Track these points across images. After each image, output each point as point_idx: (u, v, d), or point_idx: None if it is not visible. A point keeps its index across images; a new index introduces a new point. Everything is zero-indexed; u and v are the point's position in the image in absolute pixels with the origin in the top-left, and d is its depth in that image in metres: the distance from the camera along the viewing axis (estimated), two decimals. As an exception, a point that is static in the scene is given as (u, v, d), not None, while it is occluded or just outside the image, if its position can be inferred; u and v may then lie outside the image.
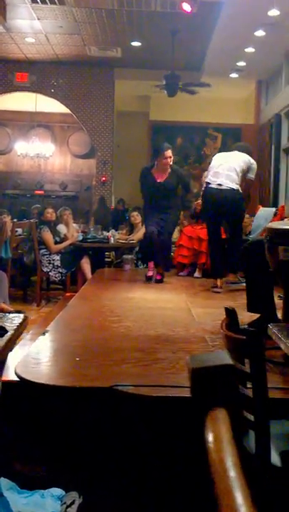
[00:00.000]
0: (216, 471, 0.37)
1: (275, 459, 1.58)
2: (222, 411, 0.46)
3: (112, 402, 2.02)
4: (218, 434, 0.42)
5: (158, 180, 5.37)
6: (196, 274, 5.77)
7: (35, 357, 2.52)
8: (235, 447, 0.40)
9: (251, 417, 1.57)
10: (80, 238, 6.77)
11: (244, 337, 1.56)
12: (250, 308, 3.18)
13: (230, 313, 1.82)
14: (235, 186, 4.86)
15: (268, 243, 2.67)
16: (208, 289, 4.87)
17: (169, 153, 5.37)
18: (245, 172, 5.03)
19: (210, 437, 0.42)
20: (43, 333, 2.96)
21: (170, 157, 5.38)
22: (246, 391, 1.61)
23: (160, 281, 5.28)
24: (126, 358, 2.52)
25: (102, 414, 2.01)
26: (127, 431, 1.95)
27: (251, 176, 5.09)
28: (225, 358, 0.55)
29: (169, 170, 5.41)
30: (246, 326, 3.11)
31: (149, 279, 5.40)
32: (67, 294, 5.65)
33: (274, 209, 6.14)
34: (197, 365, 0.53)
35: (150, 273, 5.44)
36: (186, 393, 2.07)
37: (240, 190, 4.89)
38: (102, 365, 2.38)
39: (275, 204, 8.14)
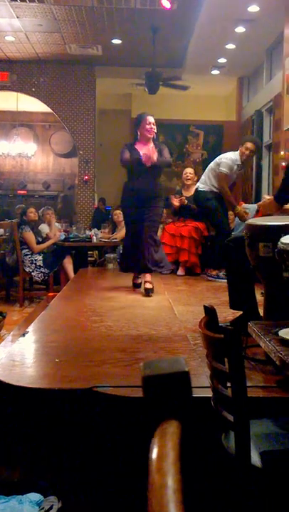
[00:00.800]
0: (153, 496, 0.33)
1: (255, 459, 1.55)
2: (173, 424, 0.43)
3: (91, 403, 1.98)
4: (162, 452, 0.38)
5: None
6: (179, 272, 5.74)
7: (15, 359, 2.48)
8: (179, 468, 0.37)
9: (231, 417, 1.54)
10: (63, 238, 6.71)
11: (222, 336, 1.53)
12: (233, 305, 3.17)
13: (210, 312, 1.79)
14: (201, 186, 5.53)
15: (248, 240, 2.65)
16: (191, 286, 4.85)
17: (150, 119, 4.78)
18: (215, 169, 5.45)
19: (154, 454, 0.39)
20: (23, 335, 2.91)
21: (153, 123, 4.75)
22: (226, 391, 1.59)
23: (149, 291, 4.43)
24: (106, 358, 2.48)
25: (81, 417, 1.97)
26: (107, 433, 1.92)
27: (219, 169, 5.42)
28: (180, 364, 0.51)
29: (153, 144, 4.67)
30: (228, 324, 3.10)
31: (136, 285, 4.78)
32: (50, 294, 5.59)
33: (256, 205, 6.13)
34: (149, 373, 0.49)
35: (138, 280, 4.80)
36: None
37: (208, 189, 5.46)
38: (82, 366, 2.34)
39: (257, 200, 8.14)
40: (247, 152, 5.39)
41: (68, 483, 1.87)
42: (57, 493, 1.76)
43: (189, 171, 6.51)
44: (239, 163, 5.43)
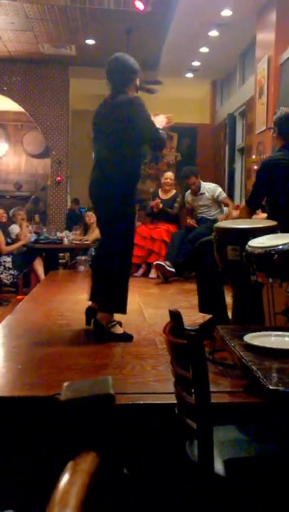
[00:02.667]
0: None
1: (218, 467, 1.51)
2: (88, 458, 0.38)
3: (53, 412, 1.91)
4: (64, 496, 0.34)
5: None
6: (151, 274, 5.71)
7: (-24, 365, 2.39)
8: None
9: (194, 425, 1.50)
10: (33, 239, 6.60)
11: (184, 341, 1.49)
12: (202, 308, 3.14)
13: (175, 316, 1.75)
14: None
15: (216, 243, 2.62)
16: (162, 290, 4.81)
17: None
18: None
19: (56, 494, 0.34)
20: (-14, 339, 2.83)
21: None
22: (189, 398, 1.54)
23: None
24: (71, 364, 2.42)
25: (42, 426, 1.90)
26: (68, 443, 1.85)
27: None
28: (105, 385, 0.46)
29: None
30: (197, 327, 3.07)
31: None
32: (19, 297, 5.48)
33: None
34: (68, 396, 0.44)
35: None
36: (130, 400, 1.99)
37: None
38: (46, 373, 2.27)
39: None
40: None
41: (25, 497, 1.79)
42: (14, 507, 1.68)
43: (170, 176, 6.52)
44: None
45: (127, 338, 2.94)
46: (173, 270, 5.42)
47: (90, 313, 3.10)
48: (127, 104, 3.05)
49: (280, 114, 3.15)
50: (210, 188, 5.98)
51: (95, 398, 0.42)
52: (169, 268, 5.39)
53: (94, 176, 3.12)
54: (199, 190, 5.98)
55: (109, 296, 3.04)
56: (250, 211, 3.15)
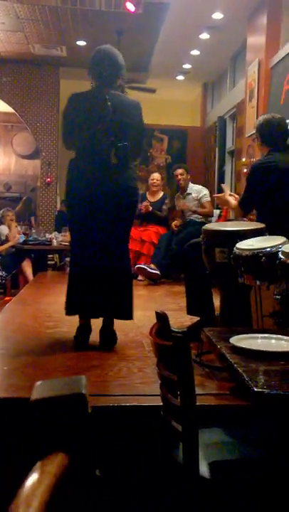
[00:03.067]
0: None
1: (203, 469, 1.51)
2: (56, 460, 0.37)
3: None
4: (28, 496, 0.33)
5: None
6: (140, 276, 5.70)
7: None
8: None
9: (179, 427, 1.49)
10: (22, 240, 6.57)
11: (170, 343, 1.48)
12: (190, 311, 3.14)
13: (161, 318, 1.74)
14: None
15: (204, 245, 2.62)
16: (150, 291, 4.80)
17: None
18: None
19: (20, 494, 0.33)
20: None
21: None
22: (175, 400, 1.53)
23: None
24: (57, 366, 2.40)
25: (24, 429, 1.88)
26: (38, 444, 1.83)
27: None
28: (78, 385, 0.45)
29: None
30: (185, 330, 3.07)
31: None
32: (7, 299, 5.45)
33: (218, 211, 6.16)
34: (39, 396, 0.43)
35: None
36: (116, 402, 1.97)
37: None
38: (31, 375, 2.25)
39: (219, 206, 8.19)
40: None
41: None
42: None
43: (156, 177, 6.50)
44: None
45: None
46: (157, 272, 5.42)
47: (87, 331, 2.85)
48: (136, 107, 2.99)
49: (259, 122, 3.17)
50: (196, 190, 5.99)
51: (66, 398, 0.41)
52: (151, 270, 5.39)
53: (113, 176, 2.84)
54: (186, 189, 5.98)
55: (130, 300, 2.95)
56: (243, 214, 3.19)
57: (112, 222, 2.86)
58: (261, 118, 3.19)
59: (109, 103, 2.85)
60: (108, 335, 2.82)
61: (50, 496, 0.35)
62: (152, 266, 5.43)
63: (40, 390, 0.45)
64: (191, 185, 6.05)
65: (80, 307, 2.86)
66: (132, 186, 2.90)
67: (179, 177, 6.04)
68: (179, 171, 6.04)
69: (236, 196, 3.36)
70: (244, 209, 3.13)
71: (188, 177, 6.09)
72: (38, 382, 0.46)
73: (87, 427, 0.43)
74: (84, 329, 2.83)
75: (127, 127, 2.87)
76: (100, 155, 2.79)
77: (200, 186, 6.13)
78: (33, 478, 0.36)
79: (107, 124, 2.81)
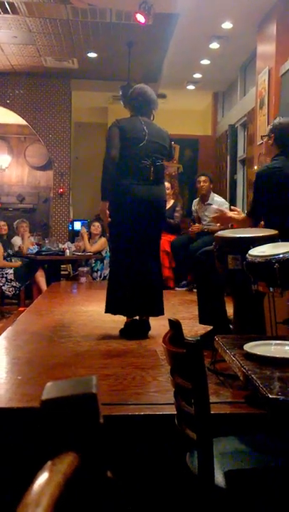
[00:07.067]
0: None
1: (219, 479, 1.49)
2: (67, 459, 0.37)
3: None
4: (36, 496, 0.33)
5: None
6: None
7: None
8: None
9: (194, 435, 1.48)
10: (35, 251, 6.60)
11: (184, 350, 1.47)
12: (202, 320, 3.11)
13: (174, 326, 1.73)
14: None
15: (217, 252, 2.61)
16: (164, 300, 4.77)
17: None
18: None
19: (29, 495, 0.33)
20: (-14, 351, 2.81)
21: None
22: (189, 408, 1.52)
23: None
24: (71, 375, 2.39)
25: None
26: (49, 444, 1.82)
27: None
28: (88, 385, 0.45)
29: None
30: (198, 338, 3.05)
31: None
32: (21, 309, 5.47)
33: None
34: (50, 396, 0.43)
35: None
36: (131, 411, 1.96)
37: None
38: (45, 385, 2.25)
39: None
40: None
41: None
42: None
43: (166, 186, 6.50)
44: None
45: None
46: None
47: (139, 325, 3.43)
48: (168, 136, 3.58)
49: (279, 122, 3.11)
50: (218, 202, 5.96)
51: (76, 397, 0.40)
52: None
53: (152, 189, 3.38)
54: (208, 198, 5.95)
55: (162, 299, 3.47)
56: (253, 223, 3.12)
57: (151, 229, 3.38)
58: (282, 119, 3.15)
59: (145, 128, 3.41)
60: (147, 326, 3.40)
61: (60, 495, 0.34)
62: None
63: (50, 390, 0.45)
64: (213, 194, 6.03)
65: (122, 307, 3.41)
66: (164, 199, 3.50)
67: (202, 184, 6.05)
68: (202, 178, 6.06)
69: (238, 210, 3.34)
70: (254, 217, 3.08)
71: (211, 186, 6.09)
72: (49, 383, 0.46)
73: (98, 427, 0.43)
74: (132, 324, 3.44)
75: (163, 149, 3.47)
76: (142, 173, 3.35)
77: (222, 199, 6.10)
78: (42, 477, 0.36)
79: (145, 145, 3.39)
